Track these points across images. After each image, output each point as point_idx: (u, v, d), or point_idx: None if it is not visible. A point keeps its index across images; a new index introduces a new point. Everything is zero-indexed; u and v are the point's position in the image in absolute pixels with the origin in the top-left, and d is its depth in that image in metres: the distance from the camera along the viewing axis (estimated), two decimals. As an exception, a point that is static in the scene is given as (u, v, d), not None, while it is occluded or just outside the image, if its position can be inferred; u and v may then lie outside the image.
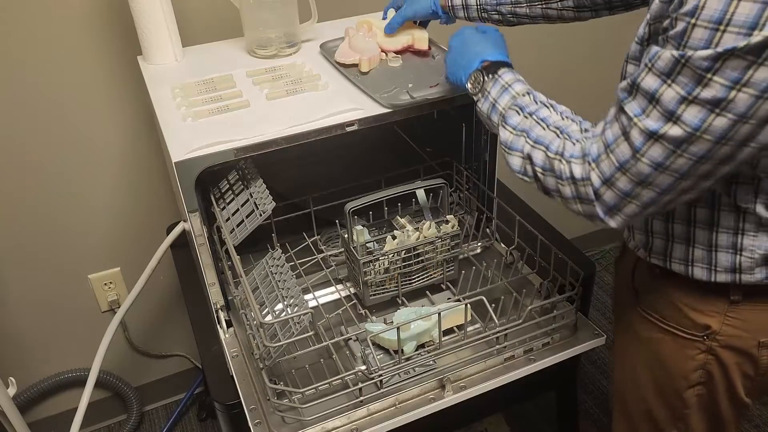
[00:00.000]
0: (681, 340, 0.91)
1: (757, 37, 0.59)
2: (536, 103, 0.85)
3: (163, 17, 1.21)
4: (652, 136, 0.68)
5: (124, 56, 1.40)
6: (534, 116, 0.83)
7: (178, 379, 1.88)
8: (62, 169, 1.47)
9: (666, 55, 0.65)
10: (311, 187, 1.25)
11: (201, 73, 1.16)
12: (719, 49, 0.61)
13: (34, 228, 1.51)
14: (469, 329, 1.01)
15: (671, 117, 0.66)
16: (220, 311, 1.09)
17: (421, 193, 1.16)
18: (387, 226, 1.24)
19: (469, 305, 1.00)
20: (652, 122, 0.67)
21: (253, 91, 1.10)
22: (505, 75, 0.89)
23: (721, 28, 0.60)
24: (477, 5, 1.13)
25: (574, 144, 0.77)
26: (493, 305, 0.99)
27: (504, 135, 0.85)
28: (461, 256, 1.21)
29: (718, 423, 0.96)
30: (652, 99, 0.67)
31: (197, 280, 1.24)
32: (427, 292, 1.15)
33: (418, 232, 1.10)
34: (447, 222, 1.11)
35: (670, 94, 0.66)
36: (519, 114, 0.84)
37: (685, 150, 0.67)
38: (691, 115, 0.65)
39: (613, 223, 0.76)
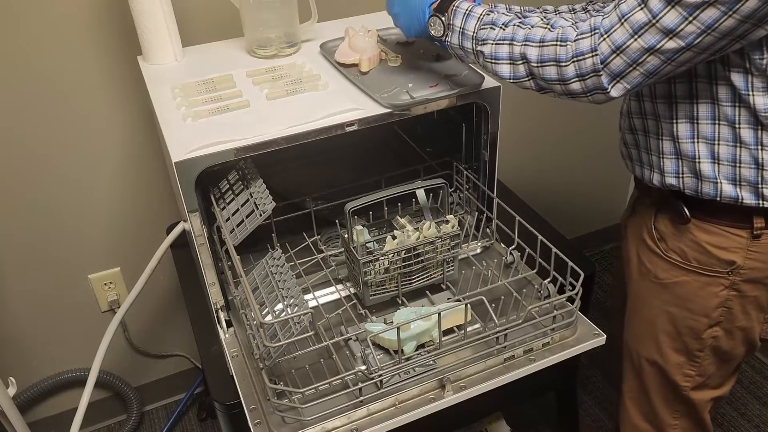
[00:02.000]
0: (705, 278, 0.98)
1: None
2: (506, 14, 0.91)
3: (163, 17, 1.21)
4: (671, 1, 0.74)
5: (124, 56, 1.40)
6: (512, 24, 0.89)
7: (178, 379, 1.88)
8: (62, 169, 1.47)
9: None
10: (311, 187, 1.25)
11: (201, 73, 1.16)
12: None
13: (34, 228, 1.51)
14: (469, 329, 1.01)
15: None
16: (220, 311, 1.09)
17: (421, 193, 1.16)
18: (387, 226, 1.24)
19: (469, 305, 1.00)
20: None
21: (253, 91, 1.10)
22: (461, 4, 0.94)
23: None
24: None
25: (576, 26, 0.83)
26: (493, 305, 0.99)
27: (487, 50, 0.90)
28: (461, 256, 1.21)
29: (727, 365, 1.04)
30: None
31: (197, 280, 1.24)
32: (427, 292, 1.15)
33: (418, 232, 1.10)
34: (447, 222, 1.11)
35: None
36: (494, 29, 0.90)
37: (696, 17, 0.74)
38: None
39: (614, 92, 0.82)
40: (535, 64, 0.86)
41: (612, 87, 0.82)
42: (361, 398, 0.94)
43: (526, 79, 0.89)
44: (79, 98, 1.41)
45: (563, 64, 0.84)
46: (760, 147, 0.90)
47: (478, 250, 1.27)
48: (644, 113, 1.00)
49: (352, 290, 1.17)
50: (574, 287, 1.03)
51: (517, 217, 1.14)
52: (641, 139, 1.03)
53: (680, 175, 0.97)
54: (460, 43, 0.94)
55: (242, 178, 1.10)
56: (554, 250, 1.06)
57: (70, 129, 1.43)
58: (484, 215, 1.25)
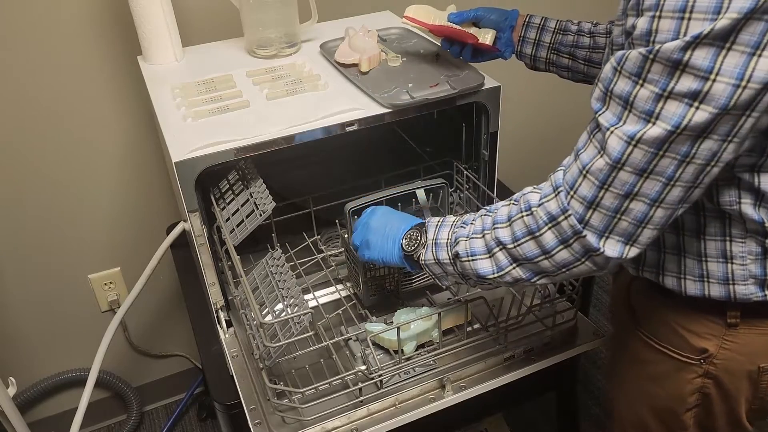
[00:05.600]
0: (677, 363, 0.88)
1: (722, 21, 0.58)
2: (474, 213, 0.84)
3: (163, 17, 1.21)
4: (631, 141, 0.64)
5: (124, 56, 1.40)
6: (480, 216, 0.82)
7: (178, 379, 1.88)
8: (62, 169, 1.47)
9: (633, 54, 0.64)
10: (311, 187, 1.25)
11: (201, 73, 1.16)
12: (687, 38, 0.59)
13: (34, 228, 1.51)
14: (469, 329, 1.01)
15: (650, 117, 0.63)
16: (220, 311, 1.09)
17: (421, 193, 1.16)
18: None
19: (469, 305, 1.00)
20: (630, 126, 0.65)
21: (253, 91, 1.10)
22: (432, 219, 0.90)
23: (686, 15, 0.59)
24: (550, 44, 1.09)
25: (536, 192, 0.75)
26: (493, 305, 0.99)
27: (461, 248, 0.82)
28: (461, 256, 1.21)
29: None
30: (627, 103, 0.65)
31: (197, 280, 1.24)
32: (427, 292, 1.15)
33: (418, 232, 1.10)
34: (447, 222, 1.11)
35: (644, 93, 0.63)
36: (464, 226, 0.83)
37: (667, 150, 0.64)
38: (670, 111, 0.62)
39: (610, 251, 0.70)
40: (511, 246, 0.76)
41: (604, 245, 0.70)
42: (361, 398, 0.94)
43: (512, 266, 0.78)
44: (79, 98, 1.41)
45: (537, 234, 0.73)
46: (729, 239, 0.79)
47: (478, 250, 1.27)
48: None
49: (352, 290, 1.17)
50: (574, 287, 1.03)
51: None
52: None
53: (640, 266, 0.87)
54: (434, 257, 0.86)
55: (242, 178, 1.10)
56: (554, 250, 1.06)
57: (70, 129, 1.43)
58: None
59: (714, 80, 0.60)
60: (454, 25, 1.08)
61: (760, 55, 0.59)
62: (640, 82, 0.64)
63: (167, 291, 1.72)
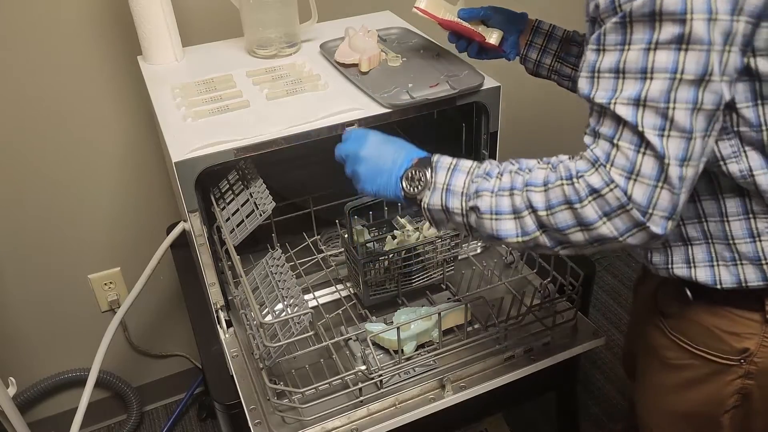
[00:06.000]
0: (716, 365, 0.86)
1: None
2: (498, 165, 0.78)
3: (163, 17, 1.21)
4: (638, 102, 0.66)
5: (124, 56, 1.40)
6: (507, 171, 0.76)
7: (178, 379, 1.88)
8: (62, 169, 1.47)
9: (609, 26, 0.66)
10: (311, 187, 1.25)
11: (201, 73, 1.16)
12: None
13: (34, 228, 1.51)
14: (469, 329, 1.01)
15: (645, 73, 0.65)
16: (220, 311, 1.09)
17: (421, 193, 1.16)
18: (387, 226, 1.24)
19: (469, 305, 1.00)
20: (630, 90, 0.66)
21: (253, 91, 1.10)
22: (443, 159, 0.81)
23: None
24: (556, 51, 1.08)
25: (574, 163, 0.71)
26: (493, 305, 0.99)
27: (484, 204, 0.75)
28: (461, 256, 1.21)
29: None
30: (618, 71, 0.67)
31: (197, 280, 1.24)
32: (427, 292, 1.15)
33: (418, 232, 1.10)
34: (447, 222, 1.11)
35: (632, 55, 0.65)
36: (489, 179, 0.76)
37: (674, 100, 0.65)
38: (663, 61, 0.64)
39: (655, 227, 0.68)
40: (543, 213, 0.72)
41: (650, 222, 0.68)
42: (361, 398, 0.94)
43: (538, 233, 0.73)
44: (79, 98, 1.41)
45: (577, 206, 0.69)
46: (752, 216, 0.77)
47: (478, 250, 1.27)
48: None
49: (352, 290, 1.17)
50: (574, 287, 1.03)
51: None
52: None
53: (669, 266, 0.85)
54: (443, 204, 0.79)
55: (242, 178, 1.10)
56: (554, 250, 1.06)
57: (70, 129, 1.43)
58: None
59: (692, 19, 0.62)
60: (463, 22, 1.08)
61: None
62: (626, 47, 0.65)
63: (167, 291, 1.72)
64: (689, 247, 0.83)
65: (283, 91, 1.08)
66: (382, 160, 0.86)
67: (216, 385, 1.06)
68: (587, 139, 0.71)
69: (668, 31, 0.63)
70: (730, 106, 0.72)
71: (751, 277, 0.80)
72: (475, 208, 0.76)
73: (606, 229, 0.69)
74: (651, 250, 0.87)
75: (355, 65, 1.13)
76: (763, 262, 0.78)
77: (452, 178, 0.79)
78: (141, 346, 1.77)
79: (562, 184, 0.70)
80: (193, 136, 0.97)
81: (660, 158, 0.66)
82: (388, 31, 1.27)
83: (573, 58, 1.07)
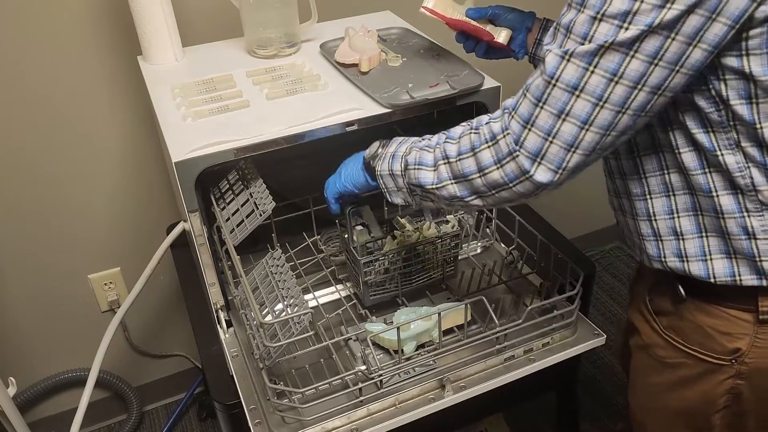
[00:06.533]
0: (707, 365, 0.87)
1: None
2: (432, 135, 0.87)
3: (163, 17, 1.21)
4: (564, 55, 0.69)
5: (124, 56, 1.40)
6: (437, 135, 0.85)
7: (178, 379, 1.88)
8: (62, 169, 1.47)
9: None
10: (311, 187, 1.24)
11: (201, 73, 1.17)
12: None
13: (34, 228, 1.51)
14: (469, 329, 1.01)
15: (584, 40, 0.68)
16: (220, 311, 1.09)
17: (421, 193, 1.16)
18: (387, 226, 1.24)
19: (469, 305, 1.00)
20: (568, 46, 0.69)
21: (253, 91, 1.10)
22: (398, 137, 0.91)
23: None
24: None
25: (490, 115, 0.78)
26: (493, 305, 0.99)
27: (411, 157, 0.85)
28: (461, 256, 1.21)
29: None
30: (567, 30, 0.69)
31: (197, 280, 1.24)
32: (427, 292, 1.15)
33: (418, 232, 1.10)
34: (447, 222, 1.12)
35: (582, 18, 0.68)
36: (421, 141, 0.86)
37: (596, 66, 0.68)
38: (601, 33, 0.67)
39: (539, 175, 0.73)
40: (454, 160, 0.79)
41: (535, 170, 0.73)
42: (361, 398, 0.94)
43: (450, 182, 0.81)
44: (79, 98, 1.41)
45: (477, 149, 0.76)
46: (746, 213, 0.78)
47: (478, 250, 1.27)
48: (618, 192, 0.90)
49: (352, 290, 1.17)
50: (574, 287, 1.03)
51: (517, 217, 1.14)
52: (621, 219, 0.93)
53: (663, 259, 0.86)
54: (390, 168, 0.88)
55: (242, 178, 1.10)
56: (554, 250, 1.06)
57: (70, 129, 1.43)
58: (484, 215, 1.25)
59: (642, 0, 0.64)
60: (472, 21, 1.07)
61: None
62: (582, 9, 0.68)
63: (167, 291, 1.72)
64: (681, 240, 0.84)
65: (283, 91, 1.08)
66: (356, 157, 0.96)
67: (216, 385, 1.06)
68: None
69: (616, 5, 0.65)
70: (725, 102, 0.73)
71: (745, 271, 0.80)
72: (406, 164, 0.86)
73: (497, 174, 0.76)
74: (644, 242, 0.88)
75: (355, 65, 1.13)
76: (758, 259, 0.79)
77: (399, 147, 0.89)
78: (141, 346, 1.77)
79: (470, 133, 0.79)
80: (193, 136, 0.97)
81: (560, 116, 0.70)
82: (388, 31, 1.27)
83: None
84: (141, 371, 1.83)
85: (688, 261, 0.84)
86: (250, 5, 1.19)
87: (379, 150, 0.91)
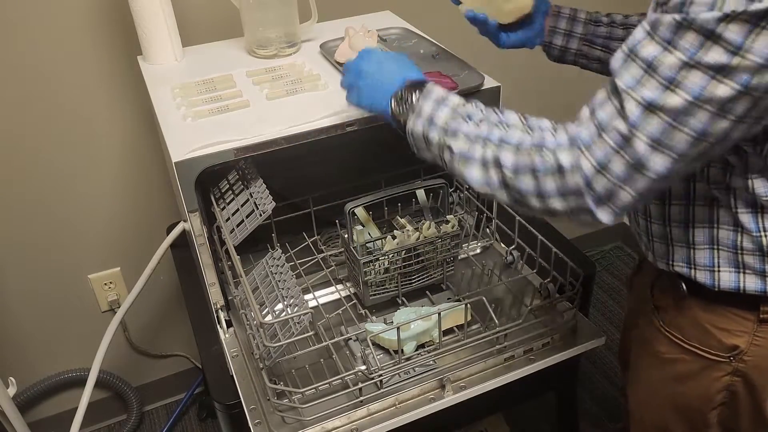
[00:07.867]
0: (705, 361, 0.87)
1: (758, 4, 0.57)
2: (482, 111, 0.79)
3: (163, 17, 1.21)
4: (650, 107, 0.64)
5: (124, 56, 1.40)
6: (487, 121, 0.77)
7: (178, 379, 1.88)
8: (62, 169, 1.47)
9: (667, 18, 0.62)
10: (311, 187, 1.25)
11: (201, 73, 1.16)
12: (723, 11, 0.58)
13: (34, 228, 1.51)
14: (469, 329, 1.01)
15: (670, 84, 0.62)
16: (220, 311, 1.09)
17: (421, 193, 1.16)
18: (387, 226, 1.24)
19: (469, 305, 1.00)
20: (648, 92, 0.64)
21: (253, 91, 1.10)
22: (436, 89, 0.83)
23: None
24: (582, 35, 1.04)
25: (555, 132, 0.71)
26: (493, 305, 0.99)
27: (457, 146, 0.78)
28: (461, 256, 1.21)
29: None
30: (649, 67, 0.64)
31: (197, 280, 1.24)
32: (427, 292, 1.15)
33: (418, 232, 1.10)
34: (447, 222, 1.11)
35: (670, 60, 0.62)
36: (468, 122, 0.78)
37: (683, 124, 0.63)
38: (692, 82, 0.61)
39: (602, 216, 0.70)
40: (509, 172, 0.73)
41: (599, 210, 0.69)
42: (361, 398, 0.94)
43: (500, 188, 0.75)
44: (79, 98, 1.41)
45: (540, 174, 0.71)
46: (763, 233, 0.78)
47: (478, 250, 1.27)
48: None
49: (352, 290, 1.17)
50: (574, 287, 1.03)
51: (517, 217, 1.14)
52: (631, 215, 0.92)
53: (670, 262, 0.86)
54: (423, 132, 0.81)
55: (242, 178, 1.10)
56: (554, 250, 1.06)
57: (70, 129, 1.43)
58: (484, 215, 1.25)
59: (743, 56, 0.59)
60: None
61: None
62: (669, 48, 0.62)
63: (167, 291, 1.72)
64: (692, 249, 0.83)
65: (283, 91, 1.08)
66: (381, 75, 0.88)
67: (216, 385, 1.06)
68: (584, 111, 0.71)
69: (714, 56, 0.60)
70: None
71: (751, 285, 0.81)
72: (449, 147, 0.78)
73: (558, 203, 0.72)
74: (652, 242, 0.88)
75: (355, 65, 1.13)
76: (767, 274, 0.79)
77: (438, 110, 0.81)
78: (141, 346, 1.77)
79: (533, 150, 0.72)
80: (193, 136, 0.97)
81: (638, 168, 0.66)
82: (388, 31, 1.27)
83: (601, 39, 1.04)
84: (141, 371, 1.83)
85: (695, 269, 0.84)
86: (250, 5, 1.19)
87: (409, 98, 0.83)
